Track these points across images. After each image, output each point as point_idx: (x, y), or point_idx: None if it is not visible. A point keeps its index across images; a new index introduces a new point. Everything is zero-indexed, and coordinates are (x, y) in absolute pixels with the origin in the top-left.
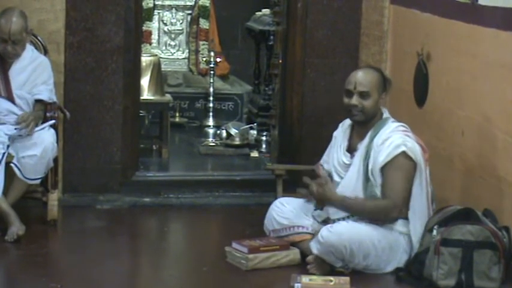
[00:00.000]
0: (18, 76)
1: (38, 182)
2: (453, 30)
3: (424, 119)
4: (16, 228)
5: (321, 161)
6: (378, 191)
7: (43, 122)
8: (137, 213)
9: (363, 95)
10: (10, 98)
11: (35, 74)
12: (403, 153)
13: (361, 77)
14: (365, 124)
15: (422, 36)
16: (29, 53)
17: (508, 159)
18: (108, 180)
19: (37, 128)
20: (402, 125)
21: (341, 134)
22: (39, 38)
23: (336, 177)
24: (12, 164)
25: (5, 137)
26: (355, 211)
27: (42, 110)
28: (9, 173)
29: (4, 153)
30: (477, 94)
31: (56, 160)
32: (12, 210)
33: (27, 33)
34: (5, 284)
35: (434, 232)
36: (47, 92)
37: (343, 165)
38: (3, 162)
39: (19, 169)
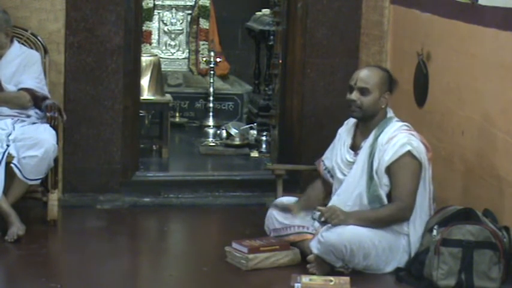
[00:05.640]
0: (5, 70)
1: (38, 182)
2: (453, 30)
3: (424, 119)
4: (16, 228)
5: (323, 157)
6: (381, 191)
7: (42, 120)
8: (137, 213)
9: (363, 91)
10: (0, 91)
11: (22, 67)
12: (409, 152)
13: (364, 74)
14: (367, 122)
15: (422, 36)
16: (16, 48)
17: (508, 159)
18: (108, 180)
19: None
20: (406, 125)
21: (345, 131)
22: (39, 38)
23: (339, 175)
24: (12, 165)
25: (3, 134)
26: (373, 223)
27: (25, 97)
28: (9, 173)
29: (4, 153)
30: (477, 94)
31: (56, 160)
32: (13, 210)
33: (6, 30)
34: (5, 284)
35: (434, 232)
36: (30, 81)
37: (346, 163)
38: (3, 162)
39: (19, 169)
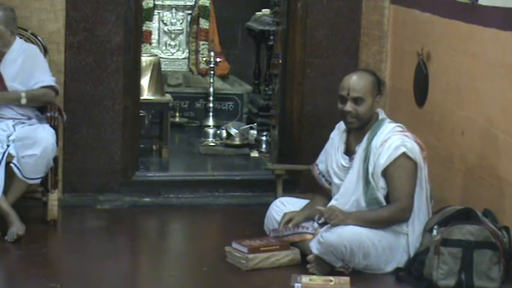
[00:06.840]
0: (9, 69)
1: (38, 181)
2: (453, 30)
3: (424, 119)
4: (16, 228)
5: (317, 161)
6: (379, 194)
7: (42, 121)
8: (137, 213)
9: (357, 100)
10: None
11: (26, 64)
12: (404, 154)
13: (355, 83)
14: (361, 128)
15: (422, 36)
16: (18, 45)
17: (508, 159)
18: (108, 180)
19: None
20: (399, 125)
21: (337, 136)
22: (39, 38)
23: (336, 180)
24: (12, 164)
25: (4, 135)
26: (372, 224)
27: (51, 94)
28: (9, 173)
29: (4, 153)
30: (477, 94)
31: (56, 160)
32: (13, 210)
33: (12, 28)
34: (5, 284)
35: (434, 232)
36: (45, 77)
37: (342, 168)
38: (3, 162)
39: (19, 169)
